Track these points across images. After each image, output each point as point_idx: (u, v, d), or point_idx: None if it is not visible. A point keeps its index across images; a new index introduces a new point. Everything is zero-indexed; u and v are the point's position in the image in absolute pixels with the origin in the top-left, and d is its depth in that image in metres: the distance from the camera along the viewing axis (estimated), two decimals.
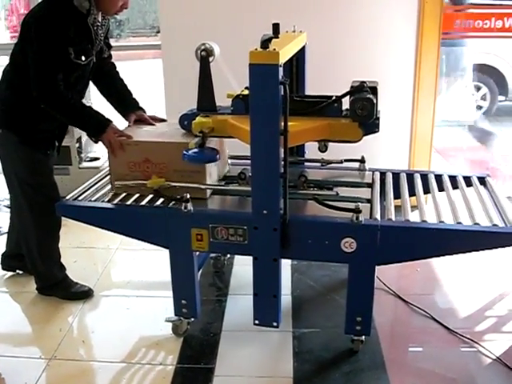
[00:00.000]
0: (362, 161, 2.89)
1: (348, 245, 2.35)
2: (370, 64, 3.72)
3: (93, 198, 2.68)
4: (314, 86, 2.86)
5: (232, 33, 3.59)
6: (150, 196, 2.61)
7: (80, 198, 2.69)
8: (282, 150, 2.23)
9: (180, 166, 2.51)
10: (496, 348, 2.65)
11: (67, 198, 2.70)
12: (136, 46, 6.35)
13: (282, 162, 2.24)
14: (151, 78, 6.92)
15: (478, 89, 6.66)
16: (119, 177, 2.65)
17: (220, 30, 3.59)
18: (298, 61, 2.82)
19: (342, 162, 2.86)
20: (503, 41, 5.47)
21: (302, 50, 2.79)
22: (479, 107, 6.71)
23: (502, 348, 2.66)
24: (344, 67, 3.67)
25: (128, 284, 3.31)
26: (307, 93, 2.89)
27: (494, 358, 2.59)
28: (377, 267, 2.43)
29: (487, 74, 6.62)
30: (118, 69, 3.07)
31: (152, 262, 3.49)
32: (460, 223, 2.36)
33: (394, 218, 2.40)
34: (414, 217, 2.42)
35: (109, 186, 2.76)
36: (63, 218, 2.91)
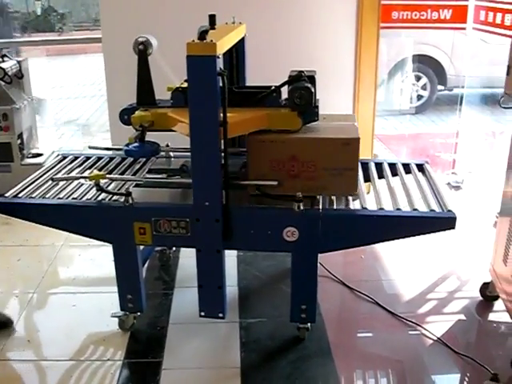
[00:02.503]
0: None
1: (290, 234, 2.38)
2: (312, 55, 3.75)
3: (33, 195, 2.62)
4: (257, 77, 2.87)
5: (174, 25, 3.56)
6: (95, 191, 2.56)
7: (20, 195, 2.63)
8: (221, 142, 2.23)
9: (331, 163, 2.34)
10: (437, 329, 2.74)
11: (7, 194, 2.63)
12: (78, 39, 6.19)
13: (223, 154, 2.25)
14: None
15: (419, 79, 6.83)
16: (258, 176, 2.42)
17: (161, 23, 3.57)
18: (237, 52, 2.83)
19: None
20: (441, 32, 5.61)
21: (242, 42, 2.80)
22: (420, 96, 6.88)
23: (442, 329, 2.75)
24: (286, 59, 3.68)
25: (74, 281, 3.26)
26: (249, 84, 2.90)
27: (436, 338, 2.67)
28: (321, 255, 2.47)
29: (426, 64, 6.79)
30: None
31: (98, 258, 3.45)
32: (399, 209, 2.41)
33: (335, 206, 2.44)
34: (354, 204, 2.46)
35: (49, 182, 2.70)
36: (5, 216, 2.83)
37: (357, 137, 2.35)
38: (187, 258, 3.32)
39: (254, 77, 2.91)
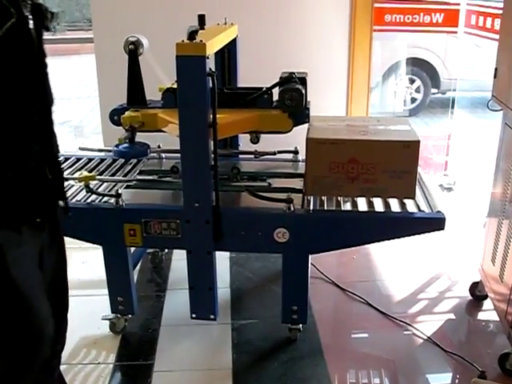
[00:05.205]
0: (296, 152, 2.92)
1: (281, 235, 2.37)
2: (306, 57, 3.75)
3: None
4: (249, 78, 2.86)
5: (166, 25, 3.53)
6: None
7: None
8: (211, 143, 2.23)
9: (390, 166, 2.31)
10: (428, 329, 2.75)
11: None
12: (70, 39, 6.17)
13: (212, 155, 2.25)
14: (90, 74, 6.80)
15: (412, 81, 6.86)
16: (316, 178, 2.39)
17: (154, 23, 3.55)
18: (229, 53, 2.83)
19: (275, 153, 2.88)
20: (434, 36, 5.64)
21: (234, 43, 2.80)
22: (414, 99, 6.91)
23: (433, 328, 2.76)
24: (280, 61, 3.67)
25: None
26: (241, 85, 2.90)
27: (426, 338, 2.69)
28: (314, 256, 2.47)
29: (420, 67, 6.82)
30: None
31: (90, 260, 3.43)
32: (389, 210, 2.41)
33: (325, 207, 2.44)
34: (345, 205, 2.46)
35: None
36: None
37: (417, 140, 2.32)
38: (180, 259, 3.30)
39: (247, 78, 2.90)
